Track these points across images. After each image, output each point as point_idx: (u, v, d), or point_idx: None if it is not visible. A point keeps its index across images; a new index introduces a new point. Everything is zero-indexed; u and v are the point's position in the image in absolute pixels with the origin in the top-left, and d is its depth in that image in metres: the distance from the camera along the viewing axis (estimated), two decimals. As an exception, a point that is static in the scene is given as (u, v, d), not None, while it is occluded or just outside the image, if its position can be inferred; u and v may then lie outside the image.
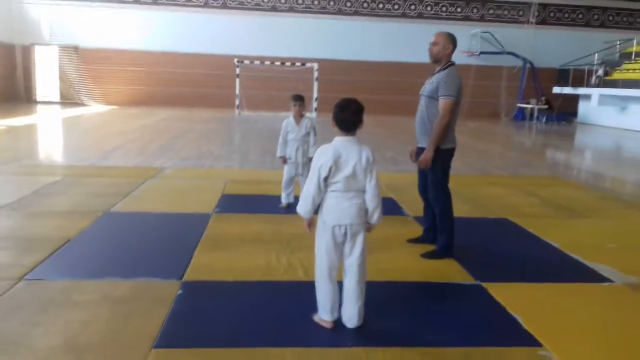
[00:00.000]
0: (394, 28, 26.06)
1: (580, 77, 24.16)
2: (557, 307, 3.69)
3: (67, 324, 3.18)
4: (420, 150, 4.64)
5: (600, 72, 23.37)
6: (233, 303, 3.60)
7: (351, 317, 3.21)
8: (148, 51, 25.09)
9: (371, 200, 3.17)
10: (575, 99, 24.39)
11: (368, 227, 3.24)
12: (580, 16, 26.96)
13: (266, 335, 3.13)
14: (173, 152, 10.85)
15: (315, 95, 23.47)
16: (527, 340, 3.16)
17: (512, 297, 3.78)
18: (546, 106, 23.54)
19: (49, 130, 14.80)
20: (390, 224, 5.62)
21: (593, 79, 23.34)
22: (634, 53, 24.32)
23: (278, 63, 23.68)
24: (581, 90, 23.15)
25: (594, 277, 4.28)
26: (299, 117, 6.09)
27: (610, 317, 3.58)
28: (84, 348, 2.92)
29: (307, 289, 3.75)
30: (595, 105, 21.58)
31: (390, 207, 6.37)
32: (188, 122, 17.88)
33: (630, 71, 22.46)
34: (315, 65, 23.58)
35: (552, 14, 26.81)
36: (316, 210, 3.23)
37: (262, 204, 6.41)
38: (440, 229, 4.59)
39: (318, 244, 3.21)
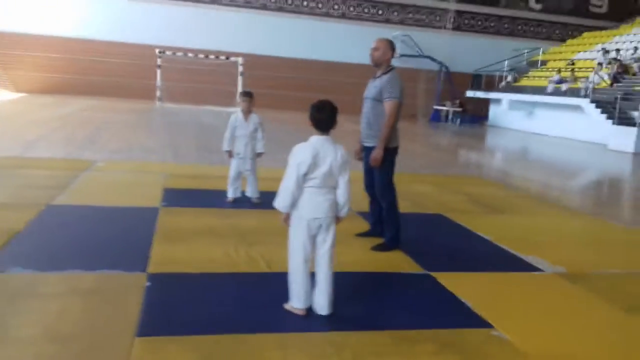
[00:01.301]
0: (318, 27, 26.46)
1: (491, 82, 25.69)
2: (501, 294, 4.10)
3: (42, 315, 3.18)
4: (367, 150, 4.91)
5: (510, 78, 24.96)
6: (204, 293, 3.71)
7: (323, 305, 3.42)
8: (63, 37, 23.99)
9: (343, 195, 3.41)
10: (486, 102, 25.89)
11: (337, 220, 3.48)
12: (492, 24, 28.63)
13: (244, 323, 3.28)
14: (100, 144, 10.58)
15: (239, 89, 23.38)
16: (479, 322, 3.51)
17: (458, 285, 4.15)
18: (460, 109, 24.83)
19: (-41, 118, 13.89)
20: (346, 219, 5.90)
21: (502, 84, 24.88)
22: (540, 61, 26.16)
23: (202, 56, 23.41)
24: (492, 95, 24.62)
25: (526, 267, 4.75)
26: (248, 113, 6.22)
27: (548, 301, 4.03)
28: (67, 337, 2.95)
29: (273, 280, 3.99)
30: (506, 109, 23.04)
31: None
32: (109, 113, 17.35)
33: (537, 78, 24.14)
34: (240, 60, 23.54)
35: (466, 21, 28.28)
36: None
37: (208, 198, 6.48)
38: (387, 222, 4.90)
39: (293, 236, 3.39)
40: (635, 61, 20.84)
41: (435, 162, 12.16)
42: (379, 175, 4.90)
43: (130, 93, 24.20)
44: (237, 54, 23.75)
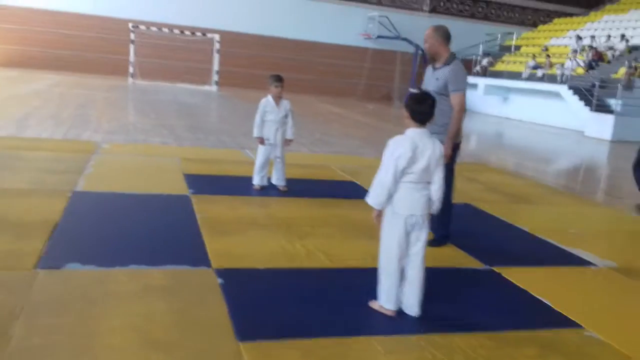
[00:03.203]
0: (295, 5, 25.99)
1: (467, 67, 25.83)
2: (571, 290, 4.09)
3: (129, 318, 2.98)
4: None
5: (485, 62, 25.18)
6: (282, 291, 3.57)
7: (414, 305, 3.33)
8: (26, 8, 22.84)
9: (438, 191, 3.31)
10: (461, 86, 26.03)
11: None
12: (467, 8, 28.76)
13: (338, 323, 3.15)
14: (92, 123, 10.15)
15: (216, 68, 22.89)
16: (567, 322, 3.48)
17: (524, 280, 4.12)
18: (437, 92, 24.94)
19: None
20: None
21: (478, 69, 25.08)
22: (513, 46, 26.49)
23: (177, 31, 22.71)
24: (468, 79, 24.77)
25: (577, 260, 4.77)
26: (279, 98, 6.00)
27: (620, 298, 4.06)
28: (166, 344, 2.76)
29: (341, 276, 3.93)
30: (482, 95, 23.26)
31: (360, 192, 6.55)
32: (84, 90, 16.66)
33: (512, 63, 24.45)
34: (217, 37, 22.95)
35: (442, 4, 28.31)
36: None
37: (233, 185, 6.28)
38: (441, 217, 4.76)
39: (388, 234, 3.27)
40: (609, 49, 21.33)
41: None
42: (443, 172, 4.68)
43: (98, 69, 23.30)
44: (213, 31, 23.13)
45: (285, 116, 6.06)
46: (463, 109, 4.53)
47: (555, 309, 3.68)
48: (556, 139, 16.76)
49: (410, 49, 26.48)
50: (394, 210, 3.24)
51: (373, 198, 3.24)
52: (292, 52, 25.78)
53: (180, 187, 5.90)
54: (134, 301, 3.19)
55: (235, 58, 24.36)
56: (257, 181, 6.18)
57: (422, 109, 3.23)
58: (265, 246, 4.37)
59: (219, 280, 3.60)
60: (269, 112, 5.97)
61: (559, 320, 3.51)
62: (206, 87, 22.65)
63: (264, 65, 24.99)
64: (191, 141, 9.31)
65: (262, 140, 6.05)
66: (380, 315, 3.34)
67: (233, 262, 3.96)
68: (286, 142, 6.15)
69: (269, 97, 5.99)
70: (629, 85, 17.90)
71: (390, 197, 3.20)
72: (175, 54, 23.88)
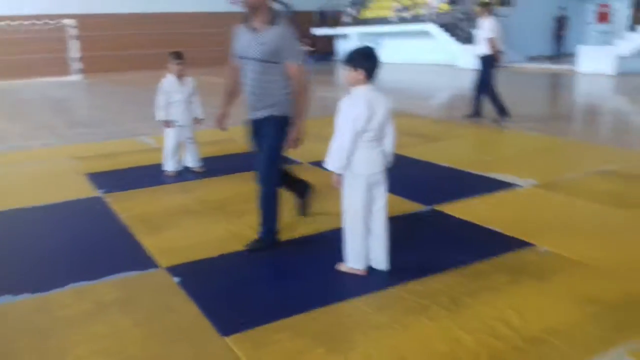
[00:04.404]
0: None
1: (337, 18, 26.03)
2: (509, 213, 4.29)
3: (95, 342, 2.68)
4: (258, 123, 3.72)
5: (353, 11, 25.48)
6: (244, 275, 3.39)
7: (383, 259, 3.30)
8: None
9: (391, 144, 3.26)
10: (332, 39, 26.28)
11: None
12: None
13: (314, 294, 3.06)
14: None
15: (76, 55, 21.25)
16: (521, 243, 3.64)
17: (467, 213, 4.26)
18: (313, 48, 24.94)
19: None
20: (300, 172, 5.72)
21: (346, 19, 25.35)
22: (375, -8, 26.93)
23: (27, 22, 20.72)
24: (340, 30, 25.03)
25: (505, 185, 4.99)
26: (181, 76, 5.62)
27: (553, 212, 4.30)
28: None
29: (297, 247, 3.81)
30: (355, 44, 23.55)
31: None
32: None
33: (379, 9, 24.94)
34: (72, 22, 21.21)
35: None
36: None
37: (144, 176, 5.86)
38: (268, 212, 3.77)
39: (352, 197, 3.18)
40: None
41: (326, 102, 12.17)
42: (269, 150, 3.70)
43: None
44: (68, 16, 21.33)
45: (192, 94, 5.71)
46: (307, 82, 3.64)
47: (506, 233, 3.83)
48: (434, 76, 17.47)
49: (276, 7, 26.09)
50: (354, 172, 3.15)
51: (333, 163, 3.12)
52: (158, 26, 24.49)
53: (87, 189, 5.41)
54: (92, 323, 2.88)
55: (96, 41, 22.75)
56: (170, 167, 5.82)
57: (373, 65, 3.12)
58: (208, 233, 4.14)
59: (175, 279, 3.35)
60: (174, 92, 5.58)
61: (513, 244, 3.66)
62: (70, 77, 21.01)
63: (129, 44, 23.62)
64: (77, 138, 8.58)
65: (168, 123, 5.67)
66: (352, 276, 3.28)
67: (181, 256, 3.69)
68: (196, 121, 5.81)
69: (170, 76, 5.59)
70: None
71: (349, 159, 3.10)
72: (30, 47, 21.83)
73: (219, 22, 25.24)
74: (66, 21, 21.03)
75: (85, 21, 21.91)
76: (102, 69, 22.62)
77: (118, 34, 23.70)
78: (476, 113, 8.64)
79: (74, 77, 20.90)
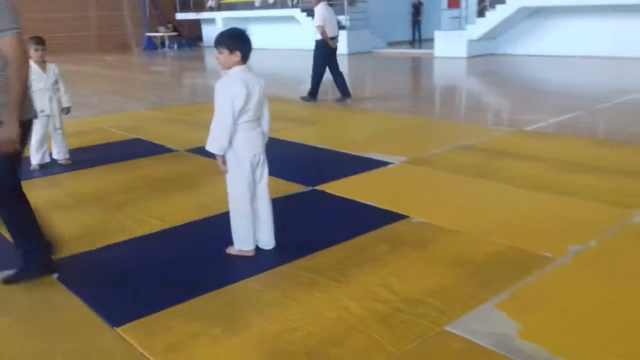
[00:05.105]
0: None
1: (200, 3, 25.45)
2: (385, 189, 4.56)
3: None
4: None
5: (217, -4, 25.05)
6: (130, 266, 3.31)
7: (269, 239, 3.39)
8: None
9: (268, 123, 3.34)
10: (199, 24, 25.70)
11: None
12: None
13: (207, 279, 3.07)
14: None
15: None
16: (397, 216, 3.90)
17: (347, 191, 4.46)
18: (175, 33, 24.22)
19: None
20: (177, 160, 5.66)
21: (210, 3, 24.89)
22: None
23: None
24: (204, 15, 24.52)
25: (379, 163, 5.27)
26: (43, 62, 5.25)
27: (422, 185, 4.64)
28: (34, 358, 2.41)
29: (179, 234, 3.79)
30: (221, 28, 23.18)
31: (154, 148, 6.26)
32: None
33: (243, -6, 24.70)
34: None
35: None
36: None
37: (5, 171, 5.43)
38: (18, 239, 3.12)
39: (236, 178, 3.21)
40: (326, -31, 22.83)
41: (197, 89, 11.94)
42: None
43: None
44: None
45: (56, 82, 5.36)
46: (26, 60, 2.80)
47: (382, 207, 4.08)
48: (301, 61, 17.74)
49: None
50: (236, 153, 3.18)
51: (214, 144, 3.13)
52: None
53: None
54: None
55: None
56: (36, 160, 5.44)
57: (250, 47, 3.17)
58: (84, 226, 3.96)
59: (54, 275, 3.18)
60: (36, 80, 5.18)
61: (389, 217, 3.90)
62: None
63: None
64: None
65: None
66: (242, 258, 3.33)
67: (62, 252, 3.51)
68: (64, 110, 5.48)
69: (31, 63, 5.19)
70: (351, 1, 19.56)
71: (230, 140, 3.13)
72: None
73: (60, 7, 23.62)
74: None
75: None
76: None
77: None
78: (312, 95, 9.17)
79: None
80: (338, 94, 9.13)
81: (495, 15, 15.48)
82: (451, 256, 3.26)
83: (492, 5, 15.74)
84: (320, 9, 8.80)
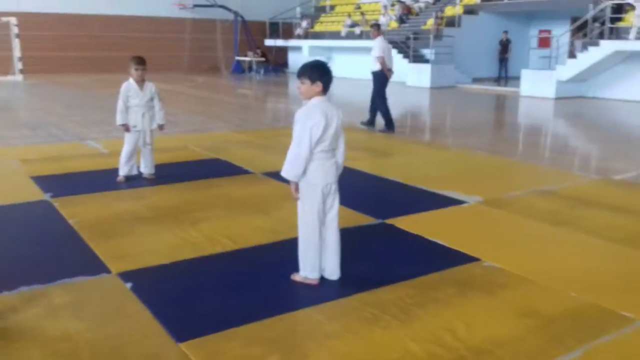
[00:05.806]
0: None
1: (288, 30, 26.22)
2: (456, 228, 4.46)
3: (46, 345, 2.64)
4: None
5: (305, 24, 25.72)
6: (198, 283, 3.40)
7: (335, 269, 3.39)
8: None
9: (343, 155, 3.38)
10: (285, 50, 26.43)
11: None
12: (279, -29, 28.84)
13: (270, 304, 3.11)
14: None
15: (18, 54, 20.52)
16: (467, 258, 3.80)
17: (417, 227, 4.40)
18: (263, 58, 24.99)
19: None
20: (253, 183, 5.78)
21: (299, 31, 25.57)
22: (328, 6, 27.35)
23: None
24: (292, 42, 25.20)
25: (451, 201, 5.18)
26: (142, 81, 5.59)
27: (498, 228, 4.50)
28: (105, 365, 2.52)
29: (248, 256, 3.85)
30: (307, 56, 23.77)
31: (232, 169, 6.45)
32: None
33: (330, 23, 25.27)
34: (14, 20, 20.49)
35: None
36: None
37: (93, 181, 5.78)
38: None
39: (307, 206, 3.26)
40: (415, 1, 22.98)
41: (278, 115, 12.24)
42: None
43: None
44: (8, 14, 20.59)
45: (151, 99, 5.68)
46: None
47: (453, 247, 3.99)
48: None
49: (230, 17, 26.09)
50: (309, 182, 3.23)
51: (290, 172, 3.20)
52: (103, 29, 24.01)
53: (33, 193, 5.29)
54: (43, 325, 2.83)
55: (39, 41, 22.09)
56: (123, 172, 5.75)
57: (331, 79, 3.25)
58: (161, 240, 4.12)
59: (128, 285, 3.33)
60: (132, 97, 5.54)
61: (459, 258, 3.81)
62: (9, 78, 20.24)
63: (73, 46, 23.07)
64: (19, 140, 8.33)
65: (127, 128, 5.63)
66: (305, 286, 3.35)
67: (133, 263, 3.67)
68: (158, 127, 5.79)
69: (131, 81, 5.56)
70: (438, 35, 19.52)
71: (305, 168, 3.19)
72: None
73: (161, 28, 25.00)
74: (7, 19, 20.30)
75: (27, 19, 21.24)
76: (45, 70, 22.05)
77: (63, 34, 23.10)
78: (370, 122, 9.49)
79: (15, 77, 20.15)
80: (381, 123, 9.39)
81: (588, 57, 14.94)
82: (522, 306, 3.13)
83: (585, 47, 15.21)
84: (379, 41, 9.10)
